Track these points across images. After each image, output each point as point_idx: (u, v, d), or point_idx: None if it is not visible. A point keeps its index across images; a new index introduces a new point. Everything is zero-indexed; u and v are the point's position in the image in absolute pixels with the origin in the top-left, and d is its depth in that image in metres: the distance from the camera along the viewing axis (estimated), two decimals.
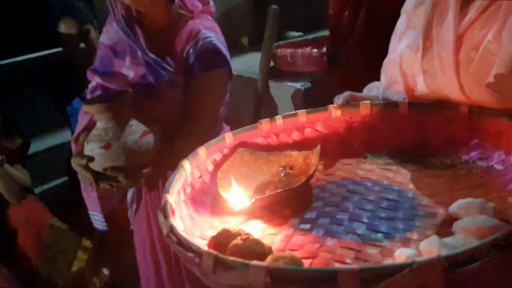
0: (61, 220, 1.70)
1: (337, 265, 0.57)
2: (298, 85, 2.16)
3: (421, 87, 0.91)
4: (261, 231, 0.69)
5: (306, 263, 0.59)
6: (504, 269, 0.44)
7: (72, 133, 1.91)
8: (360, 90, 1.09)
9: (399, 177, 0.80)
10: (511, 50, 0.75)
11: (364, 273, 0.42)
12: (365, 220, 0.67)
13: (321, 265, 0.58)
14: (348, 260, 0.58)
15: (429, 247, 0.54)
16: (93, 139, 1.13)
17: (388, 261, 0.56)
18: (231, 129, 0.99)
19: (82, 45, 1.80)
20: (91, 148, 1.11)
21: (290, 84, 2.19)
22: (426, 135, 0.88)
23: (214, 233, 0.64)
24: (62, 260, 1.67)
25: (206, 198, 0.80)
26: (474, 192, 0.71)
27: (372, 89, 1.10)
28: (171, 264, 1.43)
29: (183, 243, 0.53)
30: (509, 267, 0.44)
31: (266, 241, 0.63)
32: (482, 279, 0.43)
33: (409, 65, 0.94)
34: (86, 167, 1.13)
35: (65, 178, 2.09)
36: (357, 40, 1.74)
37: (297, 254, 0.61)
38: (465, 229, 0.58)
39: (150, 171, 1.15)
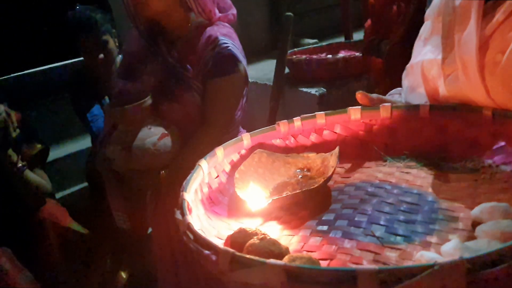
0: (81, 225, 1.73)
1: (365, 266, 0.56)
2: (313, 91, 2.16)
3: (443, 91, 0.90)
4: (278, 232, 0.69)
5: (323, 264, 0.58)
6: None
7: (93, 139, 1.96)
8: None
9: (419, 180, 0.79)
10: None
11: (383, 273, 0.41)
12: (384, 223, 0.66)
13: (338, 266, 0.57)
14: (366, 263, 0.57)
15: (451, 251, 0.53)
16: (115, 141, 1.16)
17: (408, 264, 0.55)
18: None
19: (101, 55, 1.84)
20: (113, 149, 1.15)
21: (305, 90, 2.19)
22: (448, 138, 0.87)
23: (231, 232, 0.64)
24: (81, 265, 1.68)
25: (223, 198, 0.79)
26: (498, 196, 0.69)
27: (394, 96, 1.09)
28: (189, 266, 1.43)
29: (200, 241, 0.53)
30: None
31: (282, 242, 0.62)
32: (506, 283, 0.41)
33: (431, 69, 0.93)
34: (109, 168, 1.16)
35: (85, 184, 2.12)
36: (402, 36, 1.71)
37: (314, 255, 0.60)
38: (489, 233, 0.56)
39: (168, 173, 1.17)
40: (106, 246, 1.73)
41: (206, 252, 0.51)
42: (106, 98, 1.92)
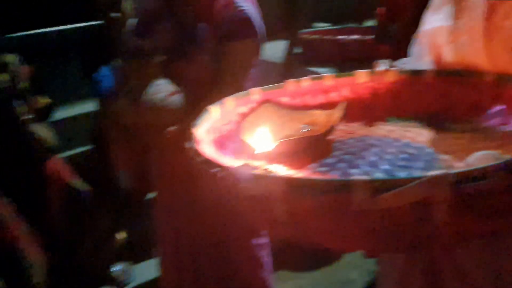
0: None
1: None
2: (322, 71, 2.17)
3: (448, 57, 0.92)
4: (280, 172, 0.72)
5: None
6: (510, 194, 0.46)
7: (100, 100, 1.99)
8: None
9: (420, 137, 0.82)
10: None
11: (374, 183, 0.44)
12: (383, 167, 0.69)
13: None
14: None
15: None
16: (124, 94, 1.20)
17: None
18: None
19: (113, 14, 1.87)
20: (122, 102, 1.19)
21: (314, 70, 2.20)
22: (450, 102, 0.90)
23: None
24: (81, 222, 1.72)
25: (230, 144, 0.83)
26: (493, 150, 0.72)
27: (403, 66, 1.12)
28: (191, 224, 1.46)
29: (208, 161, 0.57)
30: None
31: None
32: (489, 200, 0.45)
33: (438, 37, 0.96)
34: (116, 123, 1.19)
35: (90, 146, 2.15)
36: (412, 18, 1.72)
37: None
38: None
39: (175, 130, 1.20)
40: (106, 206, 1.77)
41: (214, 170, 0.55)
42: (118, 60, 1.95)
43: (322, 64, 2.24)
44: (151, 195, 1.93)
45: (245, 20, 1.28)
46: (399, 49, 1.76)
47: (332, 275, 1.91)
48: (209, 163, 0.56)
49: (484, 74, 0.85)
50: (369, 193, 0.44)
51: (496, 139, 0.77)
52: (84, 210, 1.70)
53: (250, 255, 1.50)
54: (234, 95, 0.88)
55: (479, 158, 0.65)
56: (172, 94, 1.21)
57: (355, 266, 1.90)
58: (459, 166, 0.69)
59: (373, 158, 0.72)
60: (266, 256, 1.53)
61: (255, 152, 0.78)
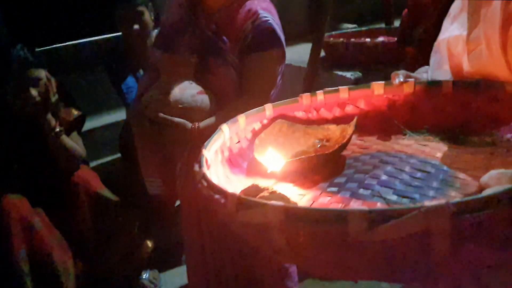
0: (112, 193, 1.79)
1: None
2: (348, 74, 2.14)
3: (467, 67, 0.90)
4: (290, 192, 0.72)
5: None
6: None
7: (127, 110, 2.04)
8: None
9: (436, 152, 0.80)
10: None
11: (371, 214, 0.44)
12: (394, 187, 0.68)
13: None
14: None
15: None
16: (156, 87, 1.23)
17: None
18: None
19: (136, 26, 1.91)
20: (151, 94, 1.21)
21: (340, 73, 2.17)
22: (469, 114, 0.87)
23: None
24: (110, 230, 1.76)
25: (242, 162, 0.84)
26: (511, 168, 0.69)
27: (422, 74, 1.10)
28: (215, 236, 1.48)
29: (212, 187, 0.57)
30: None
31: (293, 200, 0.66)
32: (492, 231, 0.43)
33: (456, 46, 0.93)
34: (143, 122, 1.22)
35: (118, 155, 2.20)
36: (435, 22, 1.69)
37: None
38: None
39: (200, 126, 1.22)
40: (134, 215, 1.80)
41: (217, 196, 0.55)
42: (141, 70, 2.00)
43: (348, 67, 2.21)
44: (178, 203, 1.96)
45: (270, 31, 1.29)
46: (423, 53, 1.73)
47: (361, 285, 1.87)
48: (214, 188, 0.57)
49: (503, 85, 0.82)
50: (366, 224, 0.43)
51: None
52: (112, 219, 1.74)
53: (276, 266, 1.49)
54: (246, 112, 0.88)
55: (494, 178, 0.63)
56: (201, 92, 1.23)
57: None
58: (475, 185, 0.67)
59: (385, 178, 0.71)
60: (292, 267, 1.53)
61: (267, 171, 0.78)
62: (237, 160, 0.83)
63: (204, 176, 0.61)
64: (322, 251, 0.47)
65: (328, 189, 0.70)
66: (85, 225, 1.71)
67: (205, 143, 0.75)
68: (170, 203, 2.08)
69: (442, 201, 0.43)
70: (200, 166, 0.65)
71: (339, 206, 0.65)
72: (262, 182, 0.76)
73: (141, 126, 1.23)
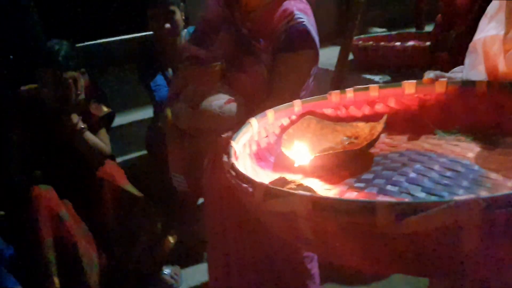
0: (136, 189, 1.82)
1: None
2: (376, 78, 2.12)
3: (502, 67, 0.88)
4: (317, 186, 0.72)
5: None
6: None
7: (155, 108, 2.08)
8: None
9: (467, 152, 0.78)
10: None
11: (399, 206, 0.43)
12: (423, 184, 0.67)
13: None
14: None
15: None
16: (183, 99, 1.25)
17: None
18: None
19: (167, 25, 1.94)
20: (180, 106, 1.23)
21: (368, 77, 2.15)
22: (503, 116, 0.84)
23: None
24: (133, 225, 1.79)
25: (269, 157, 0.84)
26: None
27: (457, 74, 1.08)
28: (239, 234, 1.48)
29: (240, 177, 0.58)
30: None
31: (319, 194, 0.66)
32: None
33: (492, 46, 0.91)
34: (172, 126, 1.24)
35: (145, 152, 2.24)
36: (469, 27, 1.66)
37: None
38: None
39: (229, 137, 1.23)
40: (158, 211, 1.83)
41: (245, 185, 0.56)
42: (170, 70, 2.03)
43: (376, 71, 2.19)
44: (201, 201, 1.98)
45: (304, 32, 1.29)
46: (456, 57, 1.70)
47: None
48: (242, 177, 0.58)
49: None
50: (394, 216, 0.43)
51: None
52: (135, 214, 1.77)
53: (298, 267, 1.49)
54: (275, 107, 0.89)
55: None
56: (230, 102, 1.24)
57: (407, 282, 1.83)
58: (507, 185, 0.66)
59: (414, 175, 0.70)
60: (314, 269, 1.52)
61: (294, 165, 0.78)
62: (265, 154, 0.84)
63: (233, 166, 0.61)
64: (349, 242, 0.47)
65: (355, 185, 0.70)
66: (109, 219, 1.75)
67: (234, 136, 0.75)
68: (193, 200, 2.10)
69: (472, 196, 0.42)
70: (229, 157, 0.65)
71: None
72: (289, 176, 0.76)
73: (171, 129, 1.26)
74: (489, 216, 0.41)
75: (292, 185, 0.63)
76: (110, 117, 1.84)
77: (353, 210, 0.45)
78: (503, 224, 0.42)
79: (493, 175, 0.70)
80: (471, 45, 1.02)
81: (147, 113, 2.43)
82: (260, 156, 0.82)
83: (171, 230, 1.89)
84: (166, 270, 1.91)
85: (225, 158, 0.66)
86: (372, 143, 0.78)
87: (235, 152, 0.69)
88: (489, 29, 0.94)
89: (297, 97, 1.37)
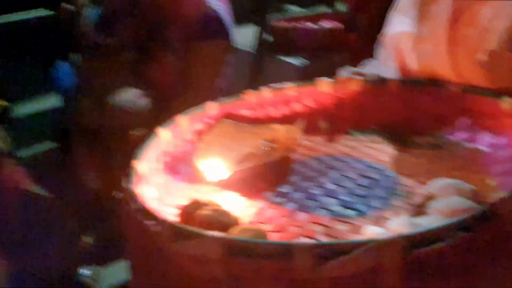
0: (43, 188, 1.68)
1: (303, 240, 0.56)
2: (295, 61, 2.10)
3: (413, 64, 0.89)
4: (235, 203, 0.68)
5: (276, 237, 0.58)
6: (468, 254, 0.42)
7: (62, 97, 1.90)
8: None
9: (382, 155, 0.79)
10: (507, 26, 0.73)
11: (319, 248, 0.40)
12: (340, 197, 0.66)
13: (288, 239, 0.57)
14: (317, 236, 0.57)
15: (399, 227, 0.53)
16: (89, 95, 1.17)
17: (355, 238, 0.55)
18: None
19: (66, 5, 1.76)
20: (85, 103, 1.15)
21: (287, 60, 2.13)
22: (415, 113, 0.86)
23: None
24: (41, 228, 1.65)
25: (185, 168, 0.78)
26: (456, 173, 0.68)
27: (366, 66, 1.08)
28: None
29: (143, 212, 0.52)
30: (473, 252, 0.43)
31: (238, 213, 0.62)
32: (444, 262, 0.41)
33: (403, 42, 0.91)
34: (80, 124, 1.15)
35: (53, 145, 2.06)
36: (377, 11, 1.67)
37: (267, 227, 0.60)
38: (439, 210, 0.56)
39: (139, 133, 1.15)
40: (70, 209, 1.71)
41: (149, 222, 0.50)
42: (74, 54, 1.86)
43: (294, 53, 2.17)
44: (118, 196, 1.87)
45: (216, 20, 1.24)
46: (367, 40, 1.73)
47: None
48: (146, 213, 0.51)
49: (449, 85, 0.82)
50: (313, 260, 0.40)
51: (459, 157, 0.74)
52: (44, 215, 1.63)
53: None
54: (188, 111, 0.83)
55: (441, 188, 0.62)
56: (138, 96, 1.16)
57: None
58: (420, 192, 0.66)
59: (331, 186, 0.69)
60: None
61: (210, 179, 0.73)
62: (180, 166, 0.77)
63: (133, 195, 0.55)
64: (267, 287, 0.43)
65: (275, 200, 0.67)
66: (13, 226, 1.59)
67: (137, 152, 0.68)
68: (107, 198, 1.99)
69: (391, 234, 0.40)
70: (129, 182, 0.58)
71: (285, 220, 0.61)
72: (205, 191, 0.71)
73: (79, 127, 1.16)
74: (410, 256, 0.40)
75: (206, 209, 0.58)
76: (5, 112, 1.65)
77: (269, 254, 0.42)
78: (424, 262, 0.40)
79: (407, 181, 0.70)
80: (382, 38, 1.02)
81: (50, 102, 2.21)
82: (174, 169, 0.76)
83: (86, 229, 1.77)
84: (84, 271, 1.80)
85: (124, 183, 0.59)
86: (289, 152, 0.76)
87: (137, 173, 0.62)
88: (399, 24, 0.94)
89: (213, 86, 1.33)
